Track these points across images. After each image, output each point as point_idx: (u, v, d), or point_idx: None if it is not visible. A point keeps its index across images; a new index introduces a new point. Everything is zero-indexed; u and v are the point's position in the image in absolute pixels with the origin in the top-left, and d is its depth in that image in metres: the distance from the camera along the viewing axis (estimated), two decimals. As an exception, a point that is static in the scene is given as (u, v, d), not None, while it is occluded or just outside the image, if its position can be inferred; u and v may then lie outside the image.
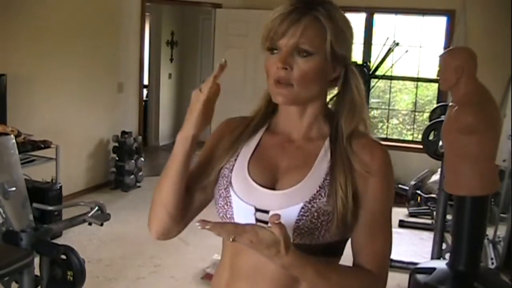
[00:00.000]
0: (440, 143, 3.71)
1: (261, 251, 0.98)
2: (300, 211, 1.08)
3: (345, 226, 1.10)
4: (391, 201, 1.17)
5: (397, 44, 6.11)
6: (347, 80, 1.17)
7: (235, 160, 1.19)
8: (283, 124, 1.20)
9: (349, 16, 1.16)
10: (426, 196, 5.58)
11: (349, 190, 1.08)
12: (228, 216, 1.15)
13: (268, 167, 1.16)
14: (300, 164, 1.14)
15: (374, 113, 7.01)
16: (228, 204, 1.14)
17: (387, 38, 6.15)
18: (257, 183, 1.14)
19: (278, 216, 0.96)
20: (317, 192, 1.09)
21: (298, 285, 1.12)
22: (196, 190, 1.21)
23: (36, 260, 2.32)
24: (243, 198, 1.13)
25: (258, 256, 1.07)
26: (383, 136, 6.72)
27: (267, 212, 1.10)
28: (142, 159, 6.06)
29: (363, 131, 1.16)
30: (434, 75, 5.82)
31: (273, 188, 1.13)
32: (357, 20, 6.34)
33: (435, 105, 5.45)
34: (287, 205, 1.09)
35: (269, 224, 0.97)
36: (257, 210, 1.11)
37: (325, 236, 1.08)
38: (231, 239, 0.97)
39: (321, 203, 1.08)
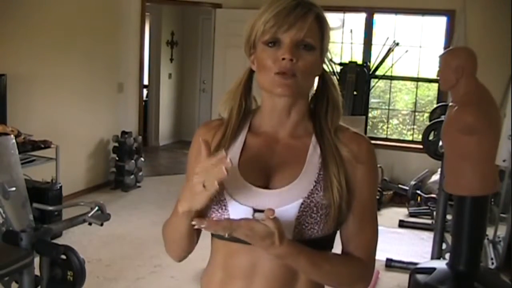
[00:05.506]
0: (440, 143, 3.71)
1: (255, 243, 1.01)
2: (300, 207, 1.09)
3: (340, 218, 1.13)
4: (376, 190, 1.24)
5: (397, 44, 6.11)
6: (325, 78, 1.22)
7: None
8: (268, 124, 1.20)
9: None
10: (426, 196, 5.58)
11: (342, 179, 1.12)
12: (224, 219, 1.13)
13: (259, 167, 1.16)
14: (291, 161, 1.15)
15: (374, 113, 7.01)
16: (223, 207, 1.12)
17: (387, 38, 6.15)
18: (251, 183, 1.13)
19: (272, 211, 0.99)
20: (313, 187, 1.11)
21: (295, 282, 1.13)
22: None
23: (36, 260, 2.32)
24: (239, 200, 1.11)
25: (253, 255, 1.10)
26: (383, 136, 6.72)
27: None
28: (142, 159, 6.07)
29: (344, 125, 1.21)
30: (434, 75, 5.81)
31: (267, 187, 1.13)
32: (357, 20, 6.29)
33: (435, 105, 5.45)
34: (286, 203, 1.09)
35: (263, 217, 0.99)
36: (255, 210, 1.09)
37: (324, 229, 1.11)
38: (226, 235, 1.00)
39: (319, 197, 1.10)
